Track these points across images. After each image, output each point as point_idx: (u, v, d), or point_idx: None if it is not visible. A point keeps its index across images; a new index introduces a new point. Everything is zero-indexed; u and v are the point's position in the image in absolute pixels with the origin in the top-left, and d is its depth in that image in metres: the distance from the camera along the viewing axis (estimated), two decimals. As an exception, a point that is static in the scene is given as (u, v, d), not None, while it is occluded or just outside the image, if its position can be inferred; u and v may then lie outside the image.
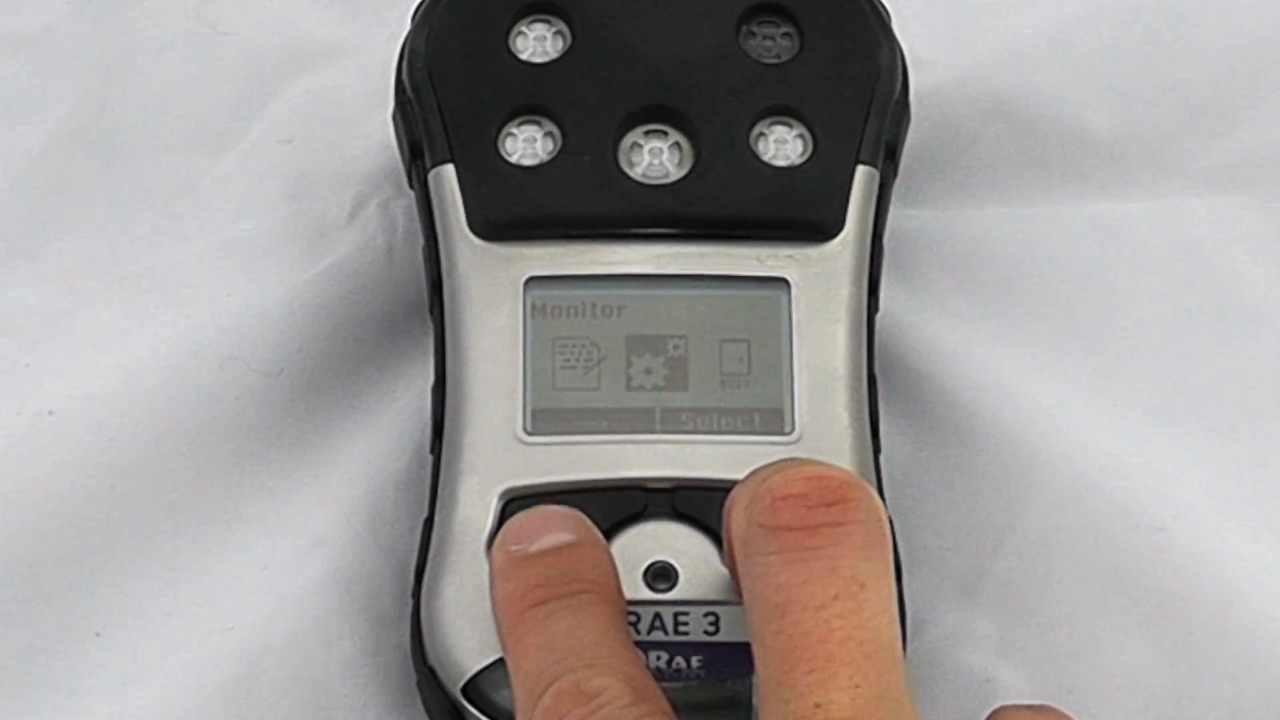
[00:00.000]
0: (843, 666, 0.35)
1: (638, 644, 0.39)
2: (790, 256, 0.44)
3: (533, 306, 0.43)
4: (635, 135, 0.44)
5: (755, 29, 0.45)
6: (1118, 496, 0.45)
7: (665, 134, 0.44)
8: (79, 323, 0.47)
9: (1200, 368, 0.47)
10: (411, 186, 0.45)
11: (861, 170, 0.44)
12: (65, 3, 0.51)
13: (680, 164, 0.44)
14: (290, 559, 0.44)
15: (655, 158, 0.44)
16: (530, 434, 0.42)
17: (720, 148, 0.44)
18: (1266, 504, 0.45)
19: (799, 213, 0.44)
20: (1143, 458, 0.46)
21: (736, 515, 0.37)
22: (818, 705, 0.34)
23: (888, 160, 0.45)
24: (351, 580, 0.44)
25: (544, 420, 0.42)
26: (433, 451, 0.43)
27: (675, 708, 0.37)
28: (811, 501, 0.36)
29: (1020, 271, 0.49)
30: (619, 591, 0.39)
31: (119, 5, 0.51)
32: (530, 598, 0.39)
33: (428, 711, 0.42)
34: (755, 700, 0.40)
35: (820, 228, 0.44)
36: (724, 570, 0.41)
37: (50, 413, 0.45)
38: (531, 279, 0.43)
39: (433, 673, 0.41)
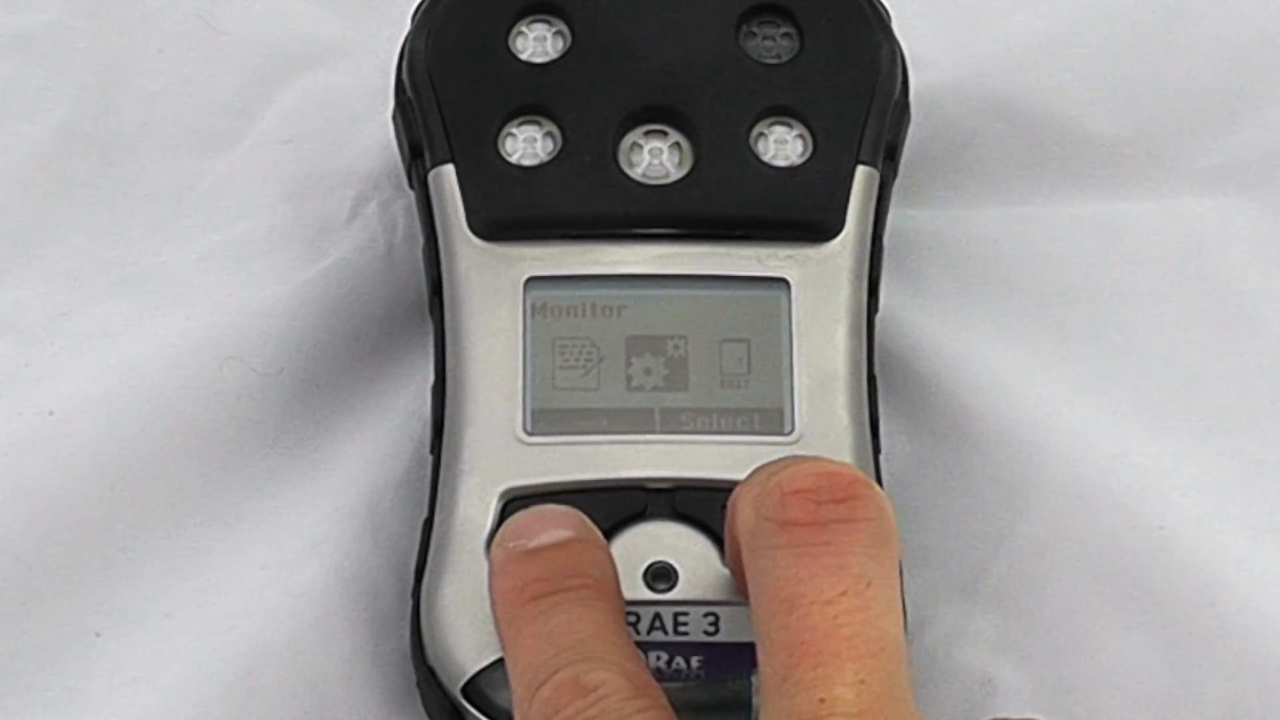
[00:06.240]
0: (849, 662, 0.35)
1: (638, 644, 0.39)
2: (790, 257, 0.44)
3: (533, 306, 0.43)
4: (635, 135, 0.44)
5: (755, 29, 0.45)
6: (1118, 496, 0.45)
7: (665, 134, 0.44)
8: (79, 323, 0.47)
9: (1200, 368, 0.47)
10: (411, 186, 0.45)
11: (861, 170, 0.44)
12: (65, 3, 0.51)
13: (680, 164, 0.44)
14: (290, 559, 0.44)
15: (655, 158, 0.44)
16: (530, 434, 0.42)
17: (720, 148, 0.44)
18: (1265, 504, 0.45)
19: (799, 213, 0.44)
20: (1143, 458, 0.46)
21: (743, 510, 0.37)
22: (823, 700, 0.34)
23: (888, 160, 0.45)
24: (351, 580, 0.44)
25: (544, 420, 0.42)
26: (433, 451, 0.43)
27: (675, 708, 0.37)
28: (820, 497, 0.36)
29: (1020, 271, 0.49)
30: (617, 588, 0.40)
31: (119, 5, 0.51)
32: (529, 592, 0.39)
33: (428, 711, 0.42)
34: (755, 699, 0.40)
35: (820, 228, 0.44)
36: (724, 570, 0.41)
37: (50, 413, 0.45)
38: (531, 279, 0.43)
39: (433, 673, 0.41)
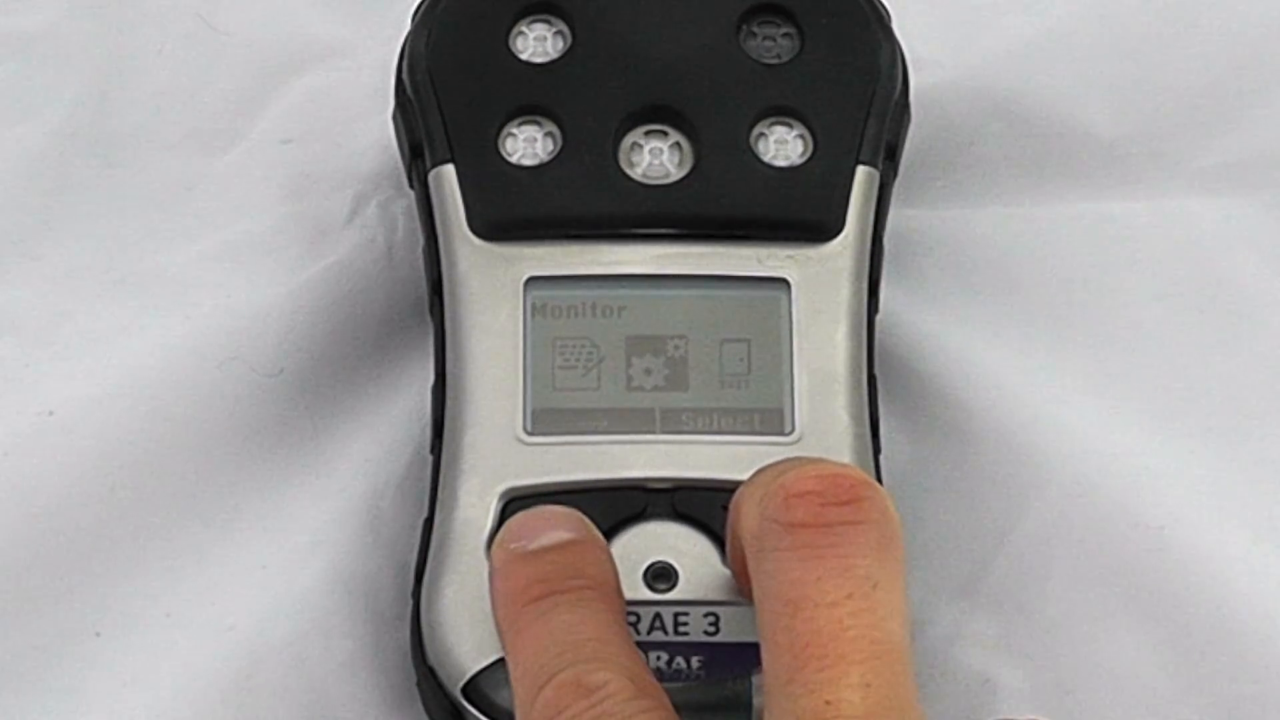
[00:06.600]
0: (854, 665, 0.35)
1: (638, 644, 0.39)
2: (790, 257, 0.44)
3: (533, 306, 0.43)
4: (635, 135, 0.44)
5: (755, 29, 0.45)
6: (1118, 496, 0.45)
7: (665, 134, 0.44)
8: (79, 323, 0.47)
9: (1200, 368, 0.47)
10: (411, 186, 0.45)
11: (861, 171, 0.44)
12: (65, 3, 0.51)
13: (680, 164, 0.44)
14: (290, 559, 0.44)
15: (655, 158, 0.44)
16: (530, 434, 0.42)
17: (720, 148, 0.44)
18: (1266, 504, 0.45)
19: (799, 213, 0.44)
20: (1143, 458, 0.46)
21: (748, 511, 0.37)
22: (828, 702, 0.34)
23: (888, 160, 0.45)
24: (351, 580, 0.44)
25: (544, 420, 0.42)
26: (433, 451, 0.43)
27: (675, 708, 0.37)
28: (826, 499, 0.36)
29: (1020, 271, 0.49)
30: (619, 590, 0.39)
31: (119, 5, 0.51)
32: (530, 593, 0.39)
33: (428, 711, 0.42)
34: (756, 700, 0.40)
35: (820, 228, 0.44)
36: (724, 570, 0.41)
37: (50, 413, 0.45)
38: (531, 279, 0.43)
39: (433, 673, 0.41)
